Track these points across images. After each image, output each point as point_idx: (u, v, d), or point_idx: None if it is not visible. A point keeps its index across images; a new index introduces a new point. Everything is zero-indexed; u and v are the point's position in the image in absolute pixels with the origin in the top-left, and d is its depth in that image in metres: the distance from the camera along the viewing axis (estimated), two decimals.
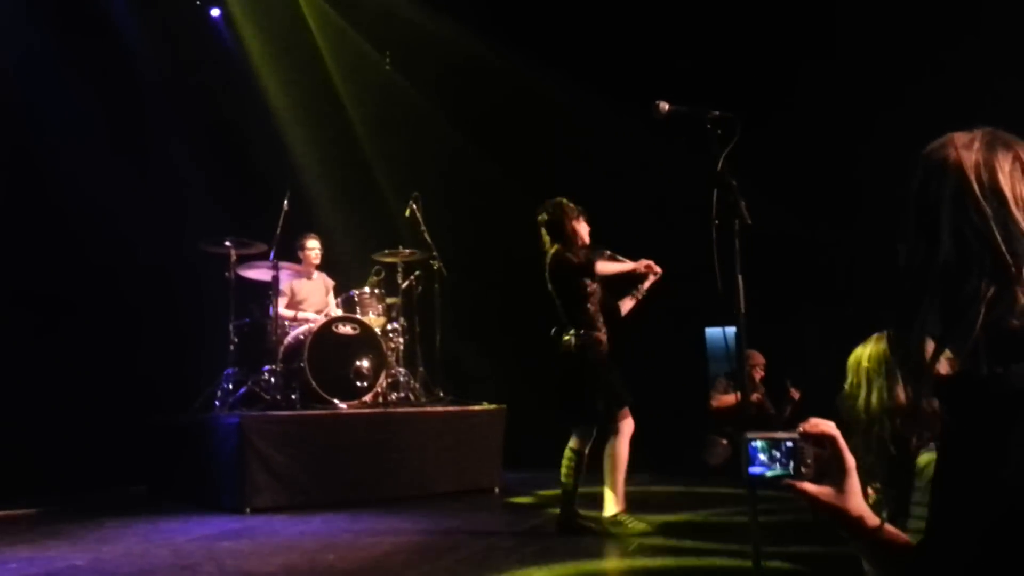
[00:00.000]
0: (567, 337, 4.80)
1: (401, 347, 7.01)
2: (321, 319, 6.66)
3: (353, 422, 6.27)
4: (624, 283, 5.04)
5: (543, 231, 4.97)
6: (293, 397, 6.32)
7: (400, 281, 7.15)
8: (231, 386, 6.48)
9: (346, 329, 6.54)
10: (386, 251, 7.11)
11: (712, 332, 7.77)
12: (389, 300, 7.05)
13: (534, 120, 8.03)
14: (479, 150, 8.40)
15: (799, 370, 7.13)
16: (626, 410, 4.76)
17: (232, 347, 6.61)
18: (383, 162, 8.71)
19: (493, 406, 6.84)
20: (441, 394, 7.04)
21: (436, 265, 7.20)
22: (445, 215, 7.42)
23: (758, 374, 7.08)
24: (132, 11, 7.72)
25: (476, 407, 6.82)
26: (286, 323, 6.77)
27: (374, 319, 6.81)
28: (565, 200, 4.95)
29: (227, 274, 6.71)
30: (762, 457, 1.24)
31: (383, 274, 7.15)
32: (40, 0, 7.03)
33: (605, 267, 4.85)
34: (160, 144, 7.69)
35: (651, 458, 6.91)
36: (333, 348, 6.41)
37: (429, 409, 6.75)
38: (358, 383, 6.45)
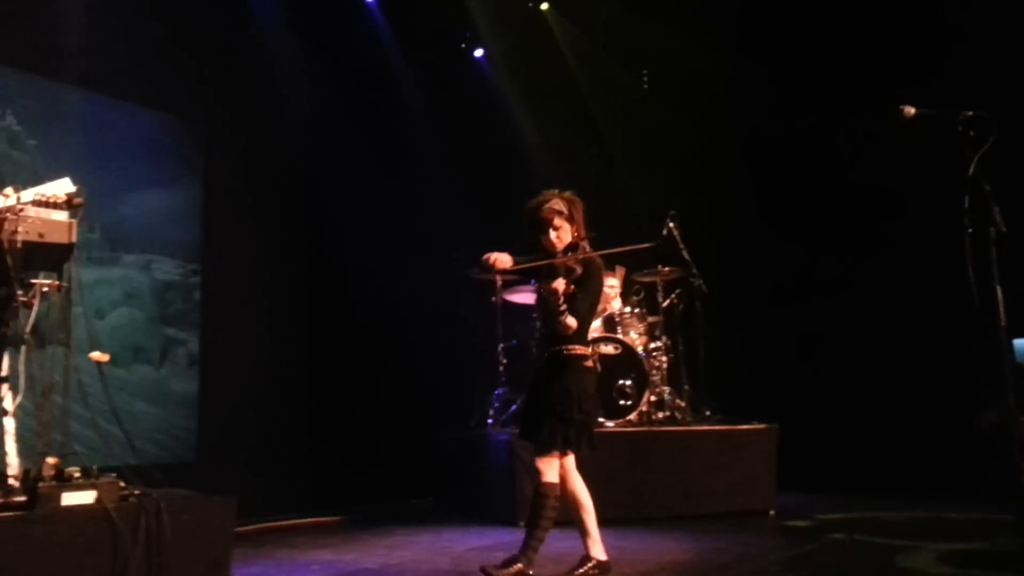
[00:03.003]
0: None
1: (665, 366, 7.00)
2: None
3: (619, 440, 6.34)
4: None
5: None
6: None
7: (660, 300, 7.17)
8: (501, 405, 6.84)
9: (607, 349, 6.65)
10: (645, 271, 7.14)
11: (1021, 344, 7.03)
12: (650, 319, 7.08)
13: (786, 136, 7.79)
14: (731, 166, 8.27)
15: None
16: None
17: (501, 368, 6.99)
18: (638, 183, 8.80)
19: (763, 425, 6.63)
20: (708, 413, 6.94)
21: (697, 283, 7.10)
22: (703, 234, 7.34)
23: None
24: (404, 55, 8.43)
25: (744, 426, 6.64)
26: None
27: (636, 338, 6.88)
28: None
29: (494, 299, 7.13)
30: None
31: (643, 293, 7.19)
32: (323, 54, 7.77)
33: None
34: (429, 180, 8.31)
35: (945, 482, 6.41)
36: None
37: (695, 428, 6.67)
38: (621, 402, 6.55)
